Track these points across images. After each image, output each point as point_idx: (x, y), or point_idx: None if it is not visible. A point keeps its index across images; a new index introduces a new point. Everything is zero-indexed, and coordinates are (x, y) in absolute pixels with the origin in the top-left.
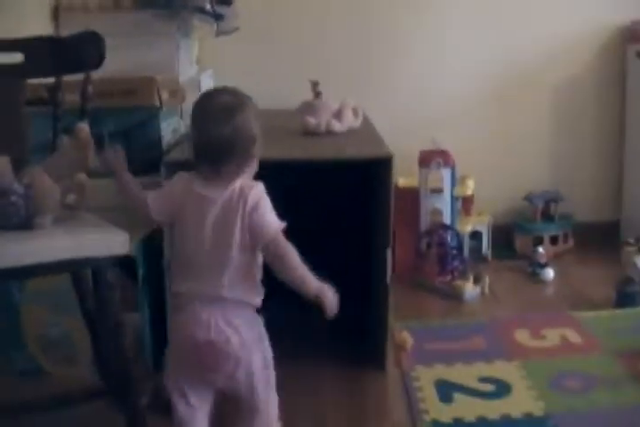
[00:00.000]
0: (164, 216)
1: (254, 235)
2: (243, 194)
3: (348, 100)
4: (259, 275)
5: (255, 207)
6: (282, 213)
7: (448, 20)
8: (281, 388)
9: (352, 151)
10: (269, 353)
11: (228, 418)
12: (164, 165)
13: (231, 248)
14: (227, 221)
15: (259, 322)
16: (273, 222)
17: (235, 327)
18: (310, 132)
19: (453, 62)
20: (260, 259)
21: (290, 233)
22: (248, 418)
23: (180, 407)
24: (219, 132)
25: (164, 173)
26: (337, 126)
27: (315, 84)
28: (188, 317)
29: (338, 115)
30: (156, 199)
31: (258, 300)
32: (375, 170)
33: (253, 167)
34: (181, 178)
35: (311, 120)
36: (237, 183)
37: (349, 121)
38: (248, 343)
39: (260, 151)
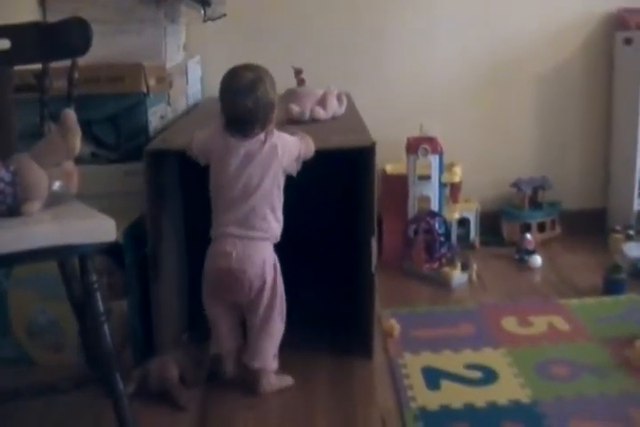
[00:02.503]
0: (201, 156)
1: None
2: (266, 140)
3: (332, 87)
4: (280, 209)
5: (275, 149)
6: None
7: (436, 8)
8: None
9: (335, 139)
10: (281, 293)
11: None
12: (145, 153)
13: (257, 187)
14: (253, 163)
15: (275, 260)
16: (291, 162)
17: (252, 260)
18: (294, 120)
19: (441, 49)
20: (282, 194)
21: None
22: (250, 338)
23: (211, 314)
24: (243, 104)
25: (145, 160)
26: (321, 114)
27: (298, 72)
28: (217, 248)
29: (322, 102)
30: (199, 140)
31: (278, 233)
32: (359, 158)
33: (274, 121)
34: (213, 131)
35: (295, 108)
36: (261, 135)
37: (333, 108)
38: (260, 273)
39: (278, 112)
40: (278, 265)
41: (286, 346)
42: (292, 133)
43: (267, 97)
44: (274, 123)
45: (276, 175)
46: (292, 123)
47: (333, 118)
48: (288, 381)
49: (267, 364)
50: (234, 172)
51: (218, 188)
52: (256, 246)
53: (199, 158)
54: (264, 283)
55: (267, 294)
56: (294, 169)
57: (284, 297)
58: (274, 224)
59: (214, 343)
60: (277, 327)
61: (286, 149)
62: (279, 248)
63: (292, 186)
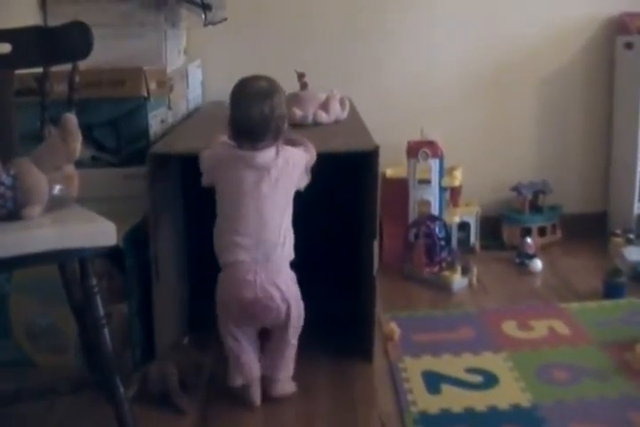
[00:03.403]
0: (208, 177)
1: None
2: (279, 156)
3: (335, 91)
4: (291, 231)
5: (290, 164)
6: None
7: (437, 12)
8: (265, 379)
9: (338, 143)
10: (301, 302)
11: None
12: (149, 156)
13: (272, 206)
14: (267, 180)
15: (293, 277)
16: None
17: (276, 285)
18: (297, 124)
19: (442, 53)
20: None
21: None
22: (278, 348)
23: (232, 345)
24: (257, 112)
25: (148, 164)
26: (324, 118)
27: (301, 76)
28: (235, 276)
29: (324, 106)
30: (207, 158)
31: (292, 249)
32: (361, 161)
33: (282, 136)
34: (224, 145)
35: (298, 111)
36: (272, 149)
37: (336, 112)
38: (287, 295)
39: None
40: (295, 279)
41: None
42: (293, 141)
43: (281, 107)
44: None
45: (289, 192)
46: (294, 127)
47: (336, 122)
48: (293, 387)
49: (289, 374)
50: (246, 189)
51: (228, 207)
52: (277, 269)
53: (204, 178)
54: (290, 303)
55: (294, 312)
56: (304, 183)
57: (302, 307)
58: (289, 242)
59: (238, 374)
60: (296, 339)
61: (296, 164)
62: None
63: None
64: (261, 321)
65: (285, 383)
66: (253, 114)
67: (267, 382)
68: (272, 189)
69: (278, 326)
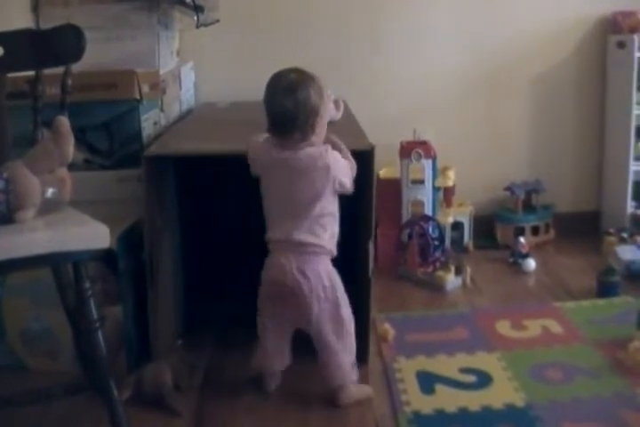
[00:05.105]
0: (253, 168)
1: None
2: (319, 158)
3: (329, 92)
4: (332, 225)
5: (327, 170)
6: None
7: (430, 13)
8: (260, 381)
9: None
10: (344, 301)
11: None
12: (143, 158)
13: (308, 206)
14: (304, 180)
15: (331, 272)
16: (344, 183)
17: (305, 275)
18: None
19: (434, 54)
20: (334, 210)
21: None
22: (323, 356)
23: (260, 325)
24: (282, 105)
25: (143, 166)
26: None
27: None
28: (273, 260)
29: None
30: (251, 148)
31: (332, 247)
32: (357, 162)
33: (320, 135)
34: (262, 140)
35: None
36: (314, 149)
37: (331, 113)
38: (315, 291)
39: (325, 122)
40: (337, 277)
41: None
42: (332, 143)
43: (308, 101)
44: (321, 137)
45: (328, 196)
46: None
47: (331, 123)
48: (367, 391)
49: (346, 379)
50: (283, 187)
51: (268, 200)
52: (310, 261)
53: (251, 167)
54: (322, 298)
55: (328, 307)
56: (347, 189)
57: (349, 308)
58: (327, 239)
59: (258, 360)
60: (350, 340)
61: (338, 171)
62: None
63: None
64: (292, 310)
65: (350, 391)
66: (277, 108)
67: (332, 391)
68: (308, 192)
69: (315, 328)
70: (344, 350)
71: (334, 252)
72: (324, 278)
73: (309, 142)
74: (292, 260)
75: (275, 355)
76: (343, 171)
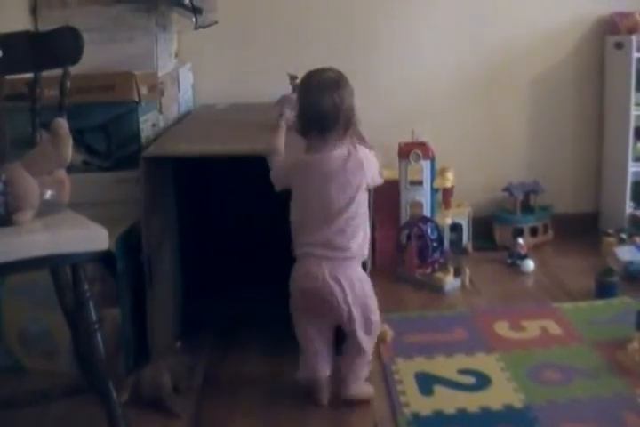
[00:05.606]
0: (280, 184)
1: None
2: (350, 157)
3: None
4: (365, 225)
5: (361, 166)
6: (263, 208)
7: (428, 14)
8: (259, 383)
9: None
10: (374, 306)
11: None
12: (142, 160)
13: (344, 208)
14: (336, 181)
15: (362, 278)
16: (375, 177)
17: (338, 280)
18: (289, 126)
19: (433, 55)
20: (366, 209)
21: (270, 226)
22: (352, 353)
23: (300, 336)
24: (328, 101)
25: (142, 167)
26: None
27: (293, 78)
28: (302, 268)
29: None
30: (277, 171)
31: (365, 251)
32: None
33: (354, 134)
34: (292, 150)
35: (290, 113)
36: (344, 149)
37: None
38: (347, 292)
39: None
40: (368, 283)
41: (279, 351)
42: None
43: (350, 100)
44: (354, 135)
45: (362, 194)
46: (287, 128)
47: None
48: (370, 390)
49: (359, 377)
50: (315, 191)
51: (300, 208)
52: (343, 266)
53: (275, 184)
54: (354, 303)
55: (359, 312)
56: (379, 182)
57: (378, 313)
58: (361, 243)
59: (304, 368)
60: (374, 342)
61: (370, 165)
62: (271, 254)
63: (288, 191)
64: (325, 316)
65: (358, 386)
66: (324, 103)
67: (340, 381)
68: (342, 194)
69: (348, 328)
70: (369, 352)
71: (365, 255)
72: (356, 285)
73: (342, 142)
74: (324, 266)
75: (321, 360)
76: (373, 165)
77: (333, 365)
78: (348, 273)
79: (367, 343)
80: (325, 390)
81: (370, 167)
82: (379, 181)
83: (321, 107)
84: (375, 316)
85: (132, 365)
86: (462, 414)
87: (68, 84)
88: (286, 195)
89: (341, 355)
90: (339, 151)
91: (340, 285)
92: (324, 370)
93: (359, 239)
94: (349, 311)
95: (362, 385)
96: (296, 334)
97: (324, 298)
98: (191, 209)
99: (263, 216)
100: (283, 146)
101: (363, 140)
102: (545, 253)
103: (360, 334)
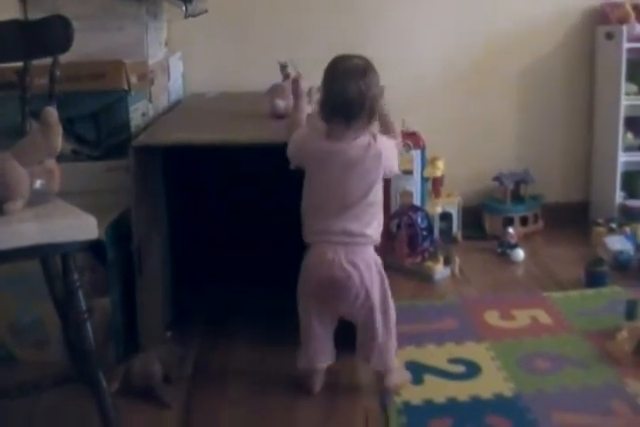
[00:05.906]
0: (295, 162)
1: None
2: (370, 146)
3: (319, 82)
4: (380, 213)
5: (380, 156)
6: (253, 196)
7: (416, 4)
8: (249, 373)
9: None
10: (389, 290)
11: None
12: (131, 149)
13: (361, 197)
14: (356, 171)
15: (377, 261)
16: (393, 168)
17: (354, 264)
18: (279, 115)
19: (422, 44)
20: (381, 196)
21: (263, 215)
22: (368, 345)
23: (304, 324)
24: (354, 87)
25: (131, 156)
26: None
27: (283, 67)
28: (317, 255)
29: (307, 97)
30: (294, 142)
31: (378, 237)
32: None
33: (375, 123)
34: (307, 132)
35: (280, 103)
36: (365, 137)
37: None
38: (366, 280)
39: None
40: (380, 264)
41: (267, 343)
42: (384, 120)
43: (376, 87)
44: (375, 124)
45: (379, 183)
46: (277, 117)
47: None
48: (407, 375)
49: (390, 365)
50: (334, 179)
51: (314, 192)
52: (359, 251)
53: (291, 160)
54: (371, 287)
55: (378, 297)
56: (395, 173)
57: (392, 298)
58: (376, 228)
59: (303, 357)
60: (394, 329)
61: (389, 155)
62: (260, 246)
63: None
64: (339, 304)
65: (392, 377)
66: (350, 89)
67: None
68: (361, 184)
69: (362, 314)
70: (390, 339)
71: (379, 240)
72: (374, 268)
73: (365, 130)
74: (339, 252)
75: (322, 350)
76: (392, 155)
77: (333, 356)
78: (365, 257)
79: (385, 333)
80: (319, 380)
81: (388, 157)
82: (396, 171)
83: (347, 94)
84: (391, 301)
85: (123, 354)
86: (452, 403)
87: (58, 72)
88: (275, 182)
89: (356, 351)
90: (361, 140)
91: (357, 268)
92: (323, 361)
93: (375, 225)
94: (367, 292)
95: (395, 373)
96: (300, 323)
97: (339, 284)
98: (181, 198)
99: (253, 205)
100: (304, 119)
101: (391, 130)
102: (535, 242)
103: (377, 320)
